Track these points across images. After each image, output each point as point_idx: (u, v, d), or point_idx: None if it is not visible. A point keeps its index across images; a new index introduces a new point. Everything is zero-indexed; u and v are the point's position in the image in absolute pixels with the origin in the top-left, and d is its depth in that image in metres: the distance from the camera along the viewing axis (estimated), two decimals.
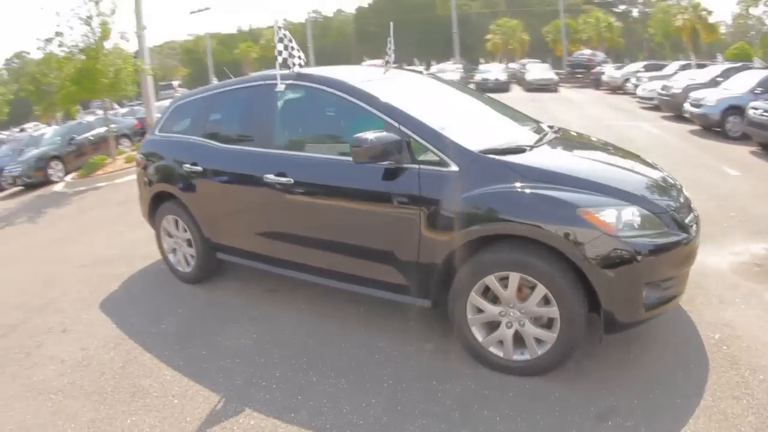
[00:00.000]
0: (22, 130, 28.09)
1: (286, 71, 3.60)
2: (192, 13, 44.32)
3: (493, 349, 2.88)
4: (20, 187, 13.48)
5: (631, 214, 2.64)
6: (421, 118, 3.05)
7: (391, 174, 2.95)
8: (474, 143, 2.95)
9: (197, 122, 4.33)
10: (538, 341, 2.76)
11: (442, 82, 4.42)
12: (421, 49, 47.56)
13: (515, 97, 23.11)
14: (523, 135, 3.46)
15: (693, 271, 3.07)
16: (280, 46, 3.43)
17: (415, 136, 2.94)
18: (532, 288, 2.68)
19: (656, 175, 3.21)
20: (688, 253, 2.81)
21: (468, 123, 3.54)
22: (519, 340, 2.83)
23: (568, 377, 2.83)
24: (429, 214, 2.84)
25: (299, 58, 3.53)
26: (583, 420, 2.52)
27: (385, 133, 2.89)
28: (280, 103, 3.64)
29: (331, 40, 59.45)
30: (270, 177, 3.50)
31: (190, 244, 4.53)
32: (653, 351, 3.05)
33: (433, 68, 33.07)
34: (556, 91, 25.65)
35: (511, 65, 36.23)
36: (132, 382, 3.27)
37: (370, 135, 2.82)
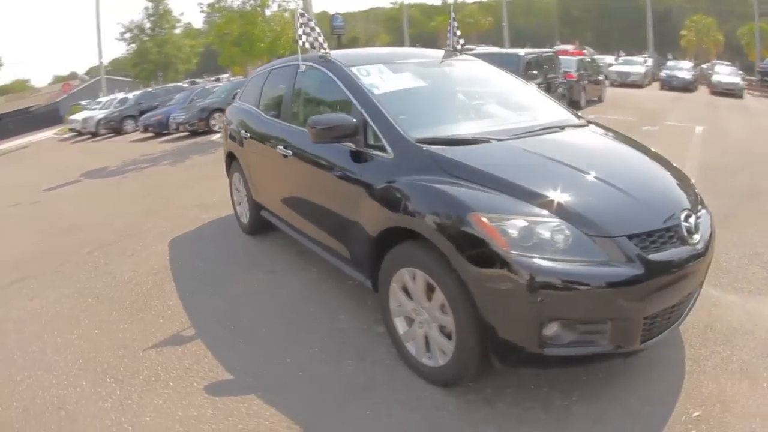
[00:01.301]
0: (217, 79, 31.30)
1: (310, 54, 4.09)
2: None
3: (408, 346, 2.84)
4: (185, 133, 15.87)
5: (549, 231, 2.28)
6: (388, 104, 3.16)
7: (351, 155, 3.18)
8: (426, 132, 2.97)
9: (256, 94, 5.05)
10: (442, 350, 2.61)
11: (488, 71, 4.25)
12: (622, 39, 44.72)
13: (696, 98, 21.21)
14: (516, 125, 3.31)
15: None
16: (300, 31, 3.91)
17: (369, 121, 3.11)
18: (434, 292, 2.56)
19: (651, 196, 2.61)
20: (645, 294, 2.30)
21: (471, 112, 3.60)
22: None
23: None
24: (364, 197, 3.01)
25: (322, 42, 3.98)
26: None
27: (337, 116, 3.17)
28: (297, 82, 4.16)
29: (532, 21, 58.23)
30: (280, 148, 4.07)
31: (248, 200, 5.33)
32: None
33: (620, 59, 31.06)
34: (741, 97, 23.05)
35: (704, 65, 32.69)
36: (146, 301, 4.11)
37: (323, 117, 3.14)
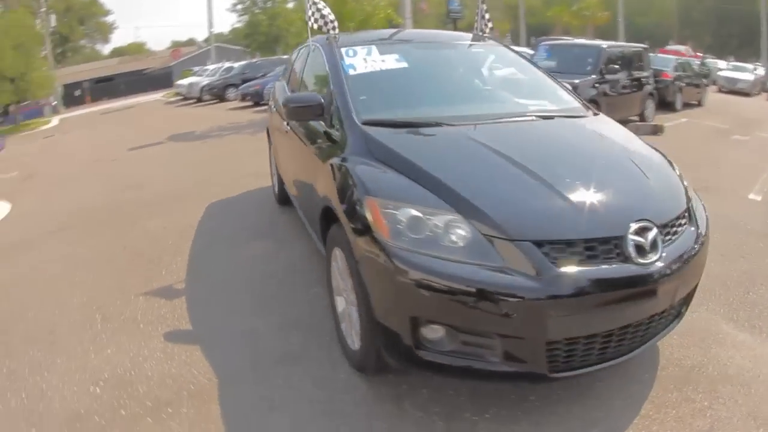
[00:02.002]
0: None
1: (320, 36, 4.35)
2: None
3: (343, 325, 2.82)
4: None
5: (443, 225, 2.16)
6: (355, 85, 3.23)
7: (324, 133, 3.33)
8: (381, 114, 3.01)
9: (288, 72, 5.41)
10: (358, 333, 2.56)
11: (500, 56, 4.09)
12: (742, 45, 40.99)
13: None
14: (490, 111, 3.25)
15: None
16: (309, 13, 4.18)
17: (335, 100, 3.21)
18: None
19: (592, 201, 2.31)
20: (546, 313, 2.06)
21: (445, 96, 3.49)
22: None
23: None
24: (320, 175, 3.13)
25: (332, 23, 4.24)
26: None
27: (308, 95, 3.39)
28: (307, 62, 4.42)
29: (651, 19, 55.16)
30: (284, 123, 4.39)
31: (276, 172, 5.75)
32: None
33: (729, 65, 28.63)
34: None
35: None
36: (160, 255, 4.64)
37: (296, 96, 3.37)
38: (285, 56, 33.76)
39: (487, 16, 4.55)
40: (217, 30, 43.90)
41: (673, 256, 2.31)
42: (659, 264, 2.22)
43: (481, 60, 4.00)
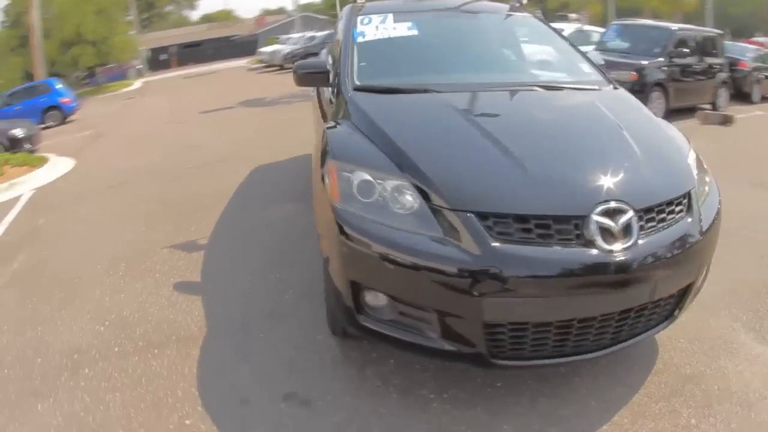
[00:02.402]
0: None
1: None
2: None
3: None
4: None
5: (390, 190, 2.12)
6: (361, 52, 3.25)
7: (328, 98, 3.42)
8: (377, 81, 3.02)
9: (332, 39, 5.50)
10: None
11: (528, 27, 3.97)
12: None
13: None
14: (489, 80, 3.15)
15: None
16: None
17: (338, 67, 3.26)
18: None
19: (559, 176, 2.17)
20: (483, 291, 1.93)
21: (447, 64, 3.42)
22: None
23: None
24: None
25: None
26: None
27: (316, 61, 3.46)
28: (342, 30, 4.46)
29: (745, 9, 51.22)
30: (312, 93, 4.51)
31: None
32: None
33: None
34: None
35: None
36: (195, 212, 4.95)
37: (306, 62, 3.44)
38: None
39: None
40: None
41: (655, 246, 2.06)
42: (630, 253, 1.99)
43: (503, 30, 3.89)
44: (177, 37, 45.61)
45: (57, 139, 11.41)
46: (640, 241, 2.03)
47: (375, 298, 2.13)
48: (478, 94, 2.91)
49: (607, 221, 2.00)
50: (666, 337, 2.62)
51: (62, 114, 15.95)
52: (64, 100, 16.12)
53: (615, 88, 3.26)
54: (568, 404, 2.25)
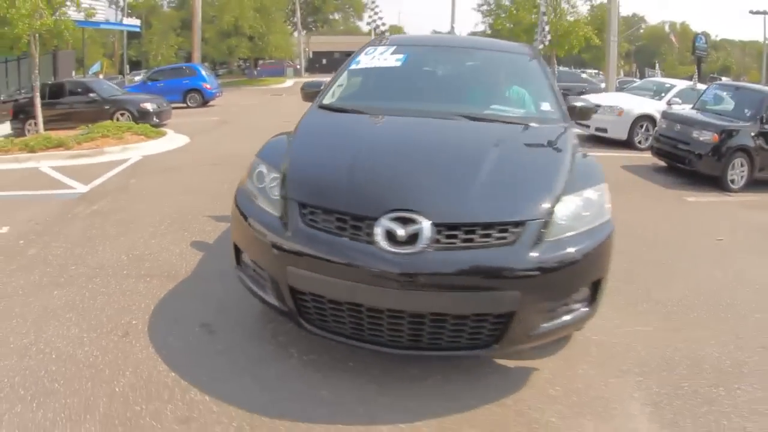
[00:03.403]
0: None
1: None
2: (752, 12, 41.09)
3: None
4: None
5: (268, 179, 2.78)
6: (347, 77, 3.92)
7: None
8: (340, 101, 3.61)
9: None
10: None
11: (527, 66, 4.12)
12: None
13: None
14: (437, 108, 3.52)
15: None
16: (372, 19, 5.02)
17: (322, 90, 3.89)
18: None
19: (385, 183, 2.60)
20: (283, 260, 2.51)
21: (412, 92, 3.82)
22: None
23: None
24: None
25: (382, 27, 5.06)
26: None
27: (316, 81, 4.18)
28: None
29: None
30: None
31: None
32: None
33: None
34: None
35: None
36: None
37: (310, 82, 4.21)
38: None
39: (546, 28, 4.91)
40: (461, 27, 45.41)
41: (451, 261, 2.33)
42: (411, 258, 2.29)
43: (489, 67, 4.14)
44: (342, 44, 47.15)
45: (186, 119, 13.39)
46: (431, 252, 2.32)
47: (246, 257, 2.83)
48: (406, 119, 3.35)
49: (394, 226, 2.34)
50: None
51: (202, 98, 18.21)
52: (206, 85, 18.43)
53: (565, 126, 3.40)
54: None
